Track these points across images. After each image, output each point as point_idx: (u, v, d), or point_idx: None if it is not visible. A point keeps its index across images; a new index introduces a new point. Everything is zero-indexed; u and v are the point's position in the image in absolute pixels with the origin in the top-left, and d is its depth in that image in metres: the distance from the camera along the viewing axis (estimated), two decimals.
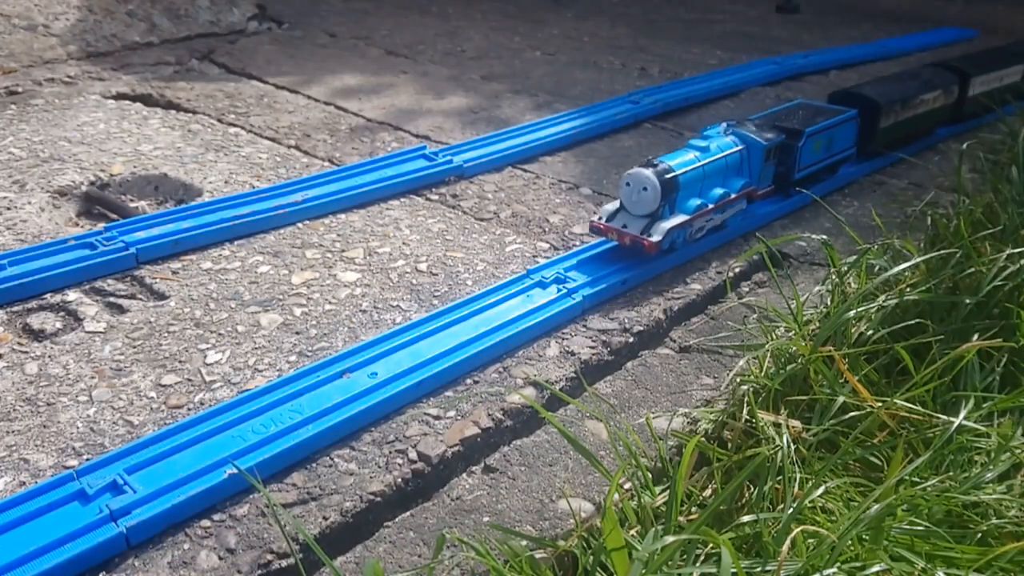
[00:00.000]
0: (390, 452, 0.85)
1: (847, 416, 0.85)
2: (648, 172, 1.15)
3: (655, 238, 1.14)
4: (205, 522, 0.76)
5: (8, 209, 1.29)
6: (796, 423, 0.83)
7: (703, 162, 1.21)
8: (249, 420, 0.86)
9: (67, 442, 0.84)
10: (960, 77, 1.79)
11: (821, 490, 0.72)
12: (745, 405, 0.87)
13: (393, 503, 0.81)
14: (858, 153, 1.55)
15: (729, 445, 0.85)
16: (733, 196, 1.25)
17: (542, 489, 0.81)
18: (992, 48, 2.11)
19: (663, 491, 0.76)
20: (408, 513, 0.78)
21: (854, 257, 1.07)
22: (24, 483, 0.79)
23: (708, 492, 0.79)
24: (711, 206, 1.22)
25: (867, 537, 0.69)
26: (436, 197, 1.44)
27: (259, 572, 0.71)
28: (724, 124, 1.31)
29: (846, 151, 1.50)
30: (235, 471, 0.78)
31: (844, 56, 2.54)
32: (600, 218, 1.20)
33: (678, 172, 1.17)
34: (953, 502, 0.75)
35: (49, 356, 0.97)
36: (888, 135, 1.61)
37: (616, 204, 1.20)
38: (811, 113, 1.44)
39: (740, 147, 1.27)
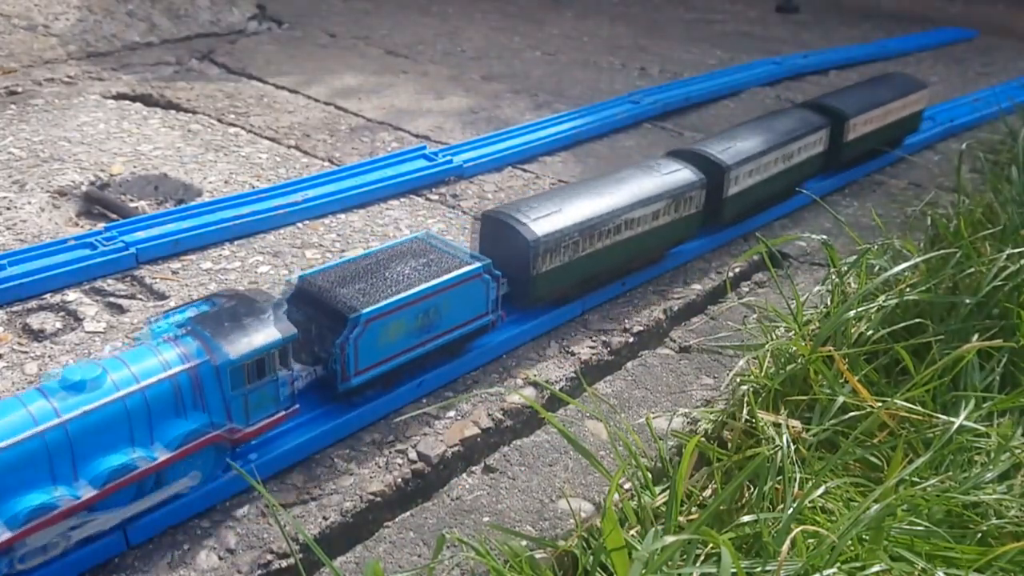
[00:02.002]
0: (390, 452, 0.85)
1: (847, 416, 0.85)
2: None
3: None
4: (205, 522, 0.76)
5: (8, 209, 1.29)
6: (796, 423, 0.83)
7: (54, 422, 0.64)
8: None
9: None
10: (713, 172, 1.21)
11: (821, 490, 0.72)
12: (745, 405, 0.87)
13: (393, 503, 0.81)
14: (516, 304, 1.04)
15: (729, 445, 0.85)
16: (151, 464, 0.69)
17: (542, 489, 0.81)
18: (767, 115, 1.46)
19: (663, 491, 0.76)
20: (408, 513, 0.78)
21: (854, 257, 1.08)
22: None
23: (708, 492, 0.79)
24: (69, 505, 0.65)
25: (867, 537, 0.69)
26: (436, 197, 1.44)
27: (259, 572, 0.71)
28: (184, 315, 0.77)
29: (475, 320, 0.95)
30: (235, 471, 0.77)
31: (844, 56, 2.54)
32: None
33: None
34: (953, 502, 0.75)
35: (49, 356, 0.97)
36: (555, 282, 1.04)
37: None
38: (413, 267, 0.91)
39: (181, 367, 0.71)
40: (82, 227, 1.30)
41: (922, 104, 1.67)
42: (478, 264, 0.93)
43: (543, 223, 1.02)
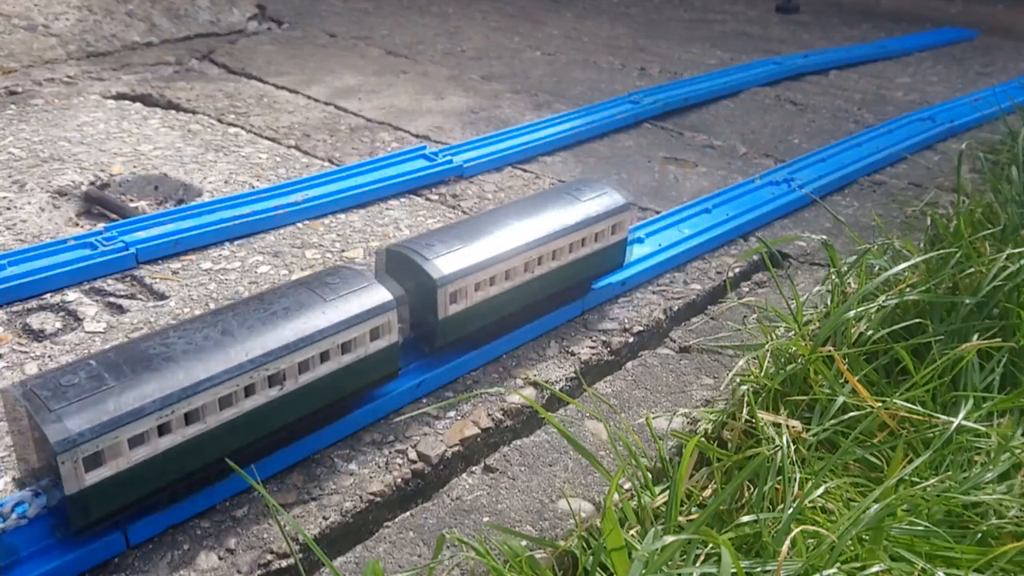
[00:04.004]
0: (390, 452, 0.85)
1: (847, 416, 0.85)
2: None
3: None
4: (205, 522, 0.76)
5: (8, 209, 1.29)
6: (796, 423, 0.83)
7: None
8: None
9: None
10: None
11: (821, 490, 0.72)
12: (745, 405, 0.87)
13: (393, 503, 0.81)
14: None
15: (729, 445, 0.85)
16: None
17: (542, 489, 0.81)
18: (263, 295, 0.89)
19: (663, 491, 0.76)
20: (408, 513, 0.78)
21: (854, 257, 1.08)
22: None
23: (708, 492, 0.79)
24: None
25: (867, 537, 0.69)
26: (436, 197, 1.44)
27: (259, 572, 0.71)
28: None
29: None
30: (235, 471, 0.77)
31: (844, 56, 2.54)
32: None
33: None
34: (953, 502, 0.75)
35: (49, 356, 0.97)
36: None
37: None
38: None
39: None
40: (82, 227, 1.30)
41: (622, 232, 1.09)
42: None
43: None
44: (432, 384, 0.95)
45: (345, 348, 0.82)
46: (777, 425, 0.82)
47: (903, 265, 1.02)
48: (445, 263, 0.91)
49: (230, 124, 1.71)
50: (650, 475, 0.78)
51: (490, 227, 0.98)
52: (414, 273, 0.91)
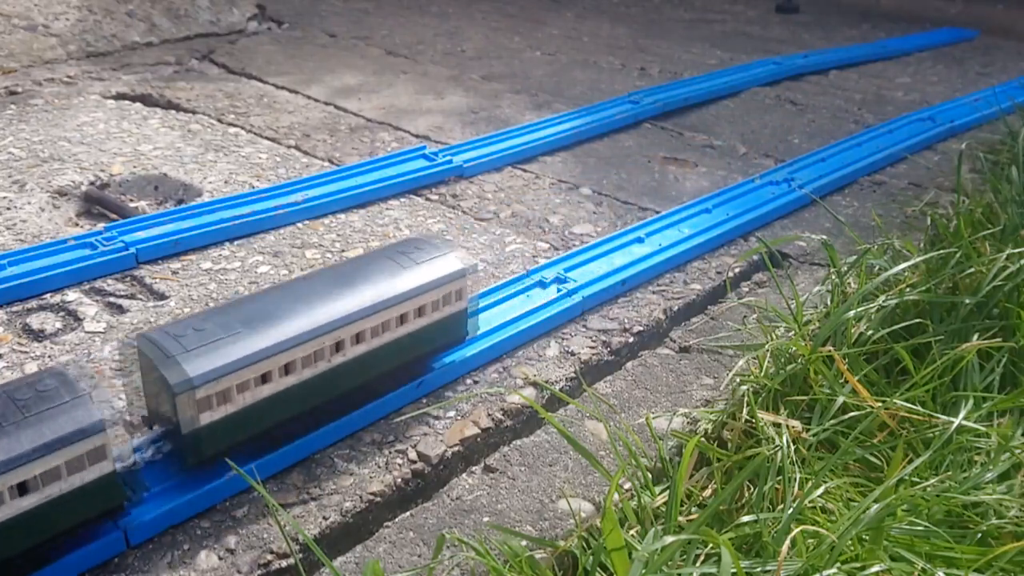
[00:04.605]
0: (390, 452, 0.85)
1: (847, 416, 0.85)
2: None
3: None
4: (205, 522, 0.76)
5: (8, 209, 1.29)
6: (796, 423, 0.83)
7: None
8: None
9: None
10: None
11: (821, 490, 0.72)
12: (745, 405, 0.87)
13: (393, 503, 0.81)
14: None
15: (729, 445, 0.85)
16: None
17: (542, 489, 0.81)
18: None
19: (663, 491, 0.76)
20: (408, 513, 0.78)
21: (854, 257, 1.08)
22: None
23: (708, 492, 0.79)
24: None
25: (867, 537, 0.69)
26: (436, 197, 1.44)
27: (259, 572, 0.71)
28: None
29: None
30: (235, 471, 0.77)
31: (844, 56, 2.54)
32: None
33: None
34: (953, 502, 0.75)
35: (49, 356, 0.97)
36: None
37: None
38: None
39: None
40: (82, 227, 1.30)
41: (462, 302, 0.93)
42: None
43: None
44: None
45: (24, 488, 0.64)
46: (777, 425, 0.82)
47: (903, 265, 1.02)
48: (193, 362, 0.72)
49: (230, 124, 1.71)
50: (650, 475, 0.78)
51: (276, 306, 0.79)
52: (156, 375, 0.73)
